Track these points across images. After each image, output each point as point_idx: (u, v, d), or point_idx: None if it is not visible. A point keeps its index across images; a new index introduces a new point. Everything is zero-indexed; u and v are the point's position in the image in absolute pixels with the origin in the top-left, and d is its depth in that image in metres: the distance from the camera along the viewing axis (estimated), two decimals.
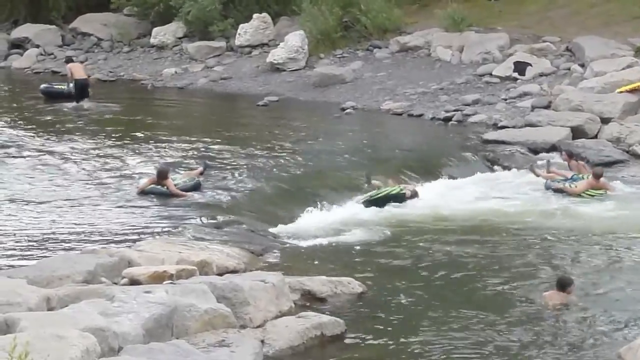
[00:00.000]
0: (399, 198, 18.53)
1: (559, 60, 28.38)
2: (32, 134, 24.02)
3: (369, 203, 18.28)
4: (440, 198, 18.95)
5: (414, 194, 18.80)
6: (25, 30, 37.36)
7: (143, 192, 17.95)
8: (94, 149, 22.13)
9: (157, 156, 21.37)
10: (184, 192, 17.94)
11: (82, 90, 28.11)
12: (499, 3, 32.72)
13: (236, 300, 11.76)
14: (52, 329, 9.46)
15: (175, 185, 17.99)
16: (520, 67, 27.92)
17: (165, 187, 17.87)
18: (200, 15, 34.11)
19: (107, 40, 36.48)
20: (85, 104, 27.88)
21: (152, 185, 17.99)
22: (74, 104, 27.81)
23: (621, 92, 24.69)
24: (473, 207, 18.52)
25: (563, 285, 12.94)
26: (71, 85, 28.27)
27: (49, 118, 26.40)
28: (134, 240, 14.82)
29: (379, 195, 18.44)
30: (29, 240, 15.00)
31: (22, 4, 38.65)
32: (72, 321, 9.89)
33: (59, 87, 29.16)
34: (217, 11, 34.24)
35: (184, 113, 28.30)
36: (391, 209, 18.17)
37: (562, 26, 30.32)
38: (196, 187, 18.36)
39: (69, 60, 30.91)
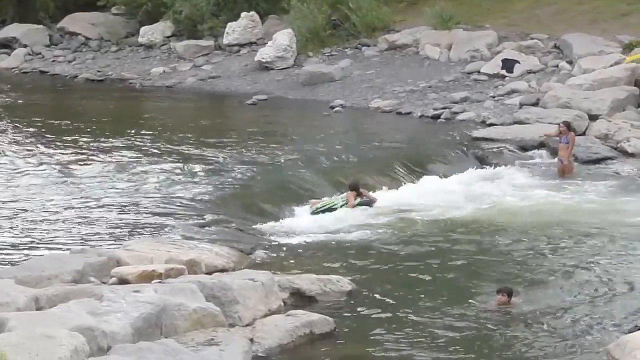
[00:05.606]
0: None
1: (547, 57, 28.41)
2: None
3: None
4: (428, 196, 18.93)
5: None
6: (12, 30, 37.17)
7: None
8: (78, 149, 22.08)
9: (142, 155, 21.32)
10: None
11: None
12: (487, 1, 32.73)
13: (225, 299, 11.77)
14: (41, 328, 9.48)
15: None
16: (509, 64, 27.96)
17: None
18: (191, 14, 34.02)
19: (95, 40, 36.31)
20: None
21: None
22: None
23: (630, 60, 24.86)
24: (461, 206, 18.52)
25: (509, 294, 12.86)
26: None
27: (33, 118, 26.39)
28: (123, 240, 14.82)
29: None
30: (17, 240, 14.97)
31: (10, 3, 38.48)
32: (61, 321, 9.89)
33: None
34: (208, 10, 34.15)
35: (172, 112, 28.22)
36: (380, 208, 18.17)
37: (550, 24, 30.36)
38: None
39: None
